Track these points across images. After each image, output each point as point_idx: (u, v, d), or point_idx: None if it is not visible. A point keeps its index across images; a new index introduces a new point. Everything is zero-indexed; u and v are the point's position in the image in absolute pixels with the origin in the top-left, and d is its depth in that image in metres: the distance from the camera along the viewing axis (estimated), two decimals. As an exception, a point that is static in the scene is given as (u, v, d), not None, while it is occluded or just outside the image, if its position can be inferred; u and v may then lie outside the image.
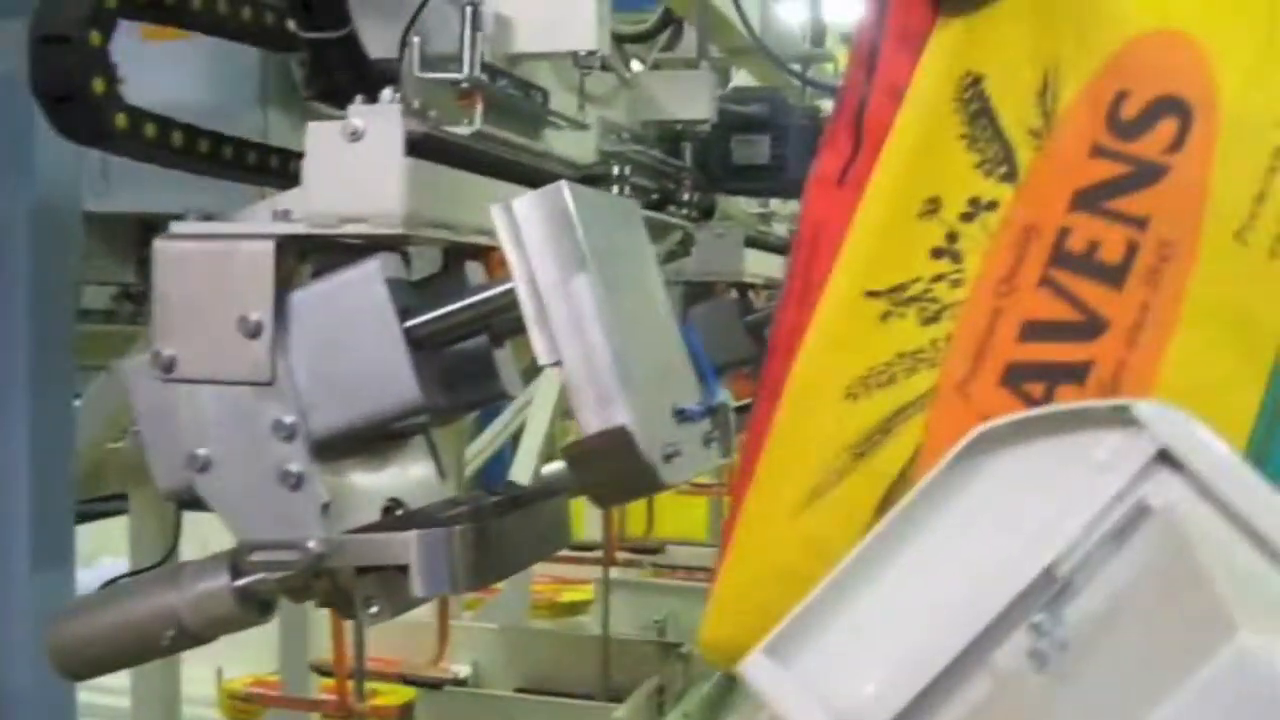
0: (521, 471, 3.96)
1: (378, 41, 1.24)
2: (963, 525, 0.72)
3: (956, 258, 0.87)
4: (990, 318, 0.86)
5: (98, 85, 1.12)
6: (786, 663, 0.72)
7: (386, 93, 1.17)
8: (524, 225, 1.07)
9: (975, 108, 0.88)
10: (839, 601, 0.73)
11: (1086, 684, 0.60)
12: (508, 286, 1.09)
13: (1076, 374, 0.83)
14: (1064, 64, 0.86)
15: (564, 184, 1.08)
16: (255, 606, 1.16)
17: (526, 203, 1.07)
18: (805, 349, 0.92)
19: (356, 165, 1.14)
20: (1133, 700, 0.53)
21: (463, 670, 3.58)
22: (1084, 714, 0.59)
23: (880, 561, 0.73)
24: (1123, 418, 0.70)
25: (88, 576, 1.92)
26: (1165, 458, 0.69)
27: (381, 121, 1.14)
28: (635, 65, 3.51)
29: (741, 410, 1.20)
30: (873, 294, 0.91)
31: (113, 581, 1.33)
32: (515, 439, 4.34)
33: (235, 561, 1.15)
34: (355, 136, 1.14)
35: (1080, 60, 0.85)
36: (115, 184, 1.55)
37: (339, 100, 1.21)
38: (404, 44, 1.21)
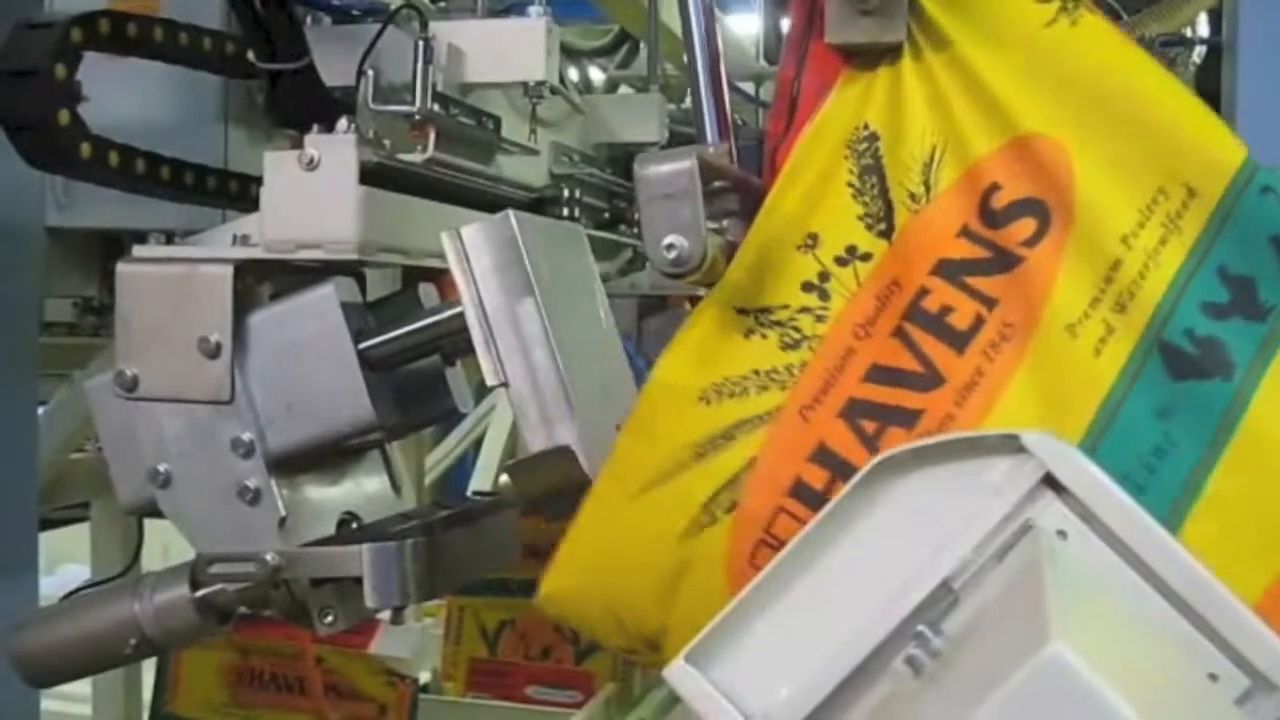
0: (483, 479, 4.00)
1: (334, 72, 1.29)
2: (869, 542, 0.78)
3: (825, 296, 0.94)
4: (843, 356, 0.93)
5: (63, 117, 1.15)
6: (706, 668, 0.77)
7: (342, 123, 1.21)
8: (472, 252, 1.10)
9: (867, 162, 0.94)
10: (755, 613, 0.78)
11: (942, 688, 0.65)
12: (457, 310, 1.12)
13: (907, 419, 0.90)
14: (952, 146, 0.92)
15: (510, 213, 1.12)
16: (214, 617, 1.20)
17: (475, 231, 1.11)
18: (672, 350, 0.99)
19: (312, 193, 1.18)
20: (962, 705, 0.59)
21: (423, 676, 3.61)
22: (932, 716, 0.65)
23: (793, 576, 0.79)
24: (1012, 446, 0.77)
25: (50, 584, 1.95)
26: (1050, 482, 0.76)
27: (337, 151, 1.18)
28: (595, 74, 3.58)
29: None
30: (742, 311, 0.97)
31: (76, 591, 1.37)
32: (478, 445, 4.38)
33: (195, 573, 1.19)
34: (311, 165, 1.18)
35: (966, 147, 0.92)
36: (78, 200, 1.55)
37: (298, 126, 1.26)
38: (359, 75, 1.25)
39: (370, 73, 1.25)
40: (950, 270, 0.92)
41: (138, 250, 1.23)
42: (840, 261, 0.94)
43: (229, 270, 1.18)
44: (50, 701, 1.98)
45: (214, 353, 1.17)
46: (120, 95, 1.35)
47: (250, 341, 1.18)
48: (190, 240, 1.27)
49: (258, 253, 1.20)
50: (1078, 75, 0.94)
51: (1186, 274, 0.90)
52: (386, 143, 1.25)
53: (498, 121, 1.47)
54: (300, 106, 1.27)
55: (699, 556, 0.95)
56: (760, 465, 0.94)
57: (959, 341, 0.91)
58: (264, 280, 1.24)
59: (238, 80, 1.44)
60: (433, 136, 1.30)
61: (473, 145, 1.43)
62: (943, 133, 0.93)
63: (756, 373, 0.95)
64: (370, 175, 1.20)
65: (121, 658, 1.23)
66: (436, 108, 1.30)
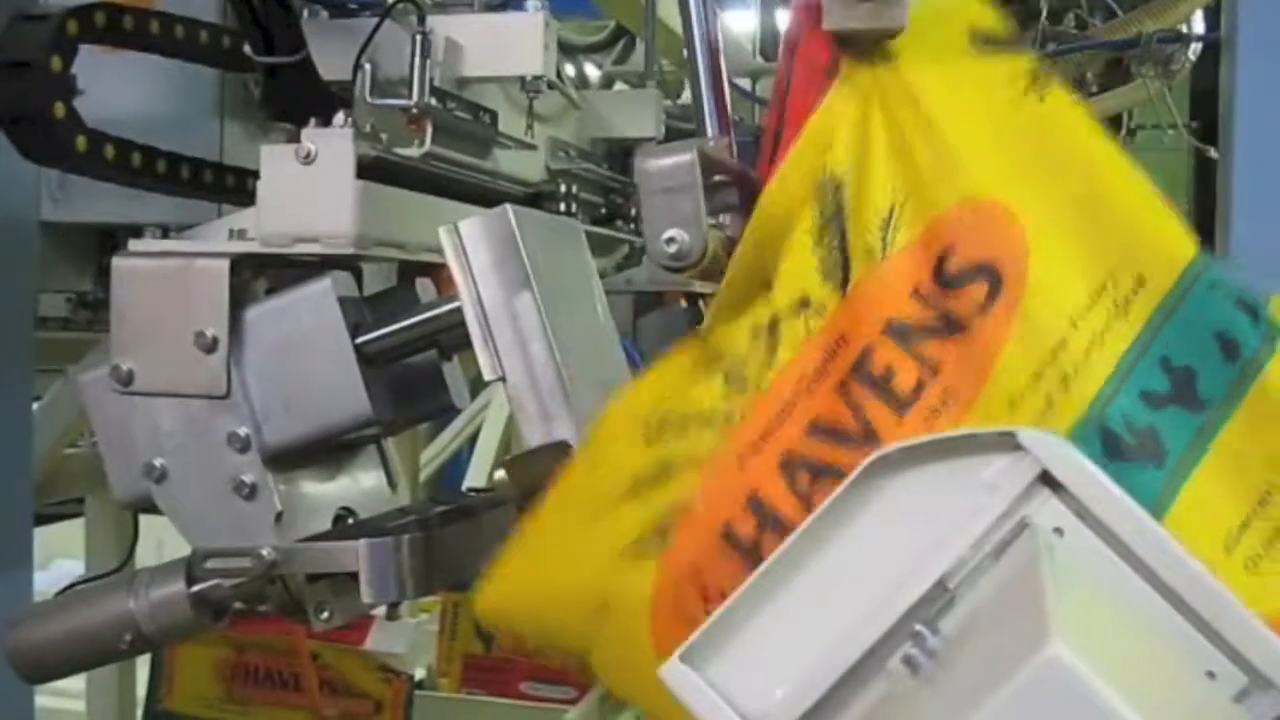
0: (477, 476, 4.00)
1: (331, 65, 1.28)
2: (863, 542, 0.78)
3: (774, 346, 0.92)
4: (784, 408, 0.91)
5: (58, 109, 1.15)
6: (701, 668, 0.77)
7: (339, 117, 1.21)
8: (470, 247, 1.10)
9: (831, 211, 0.92)
10: (750, 612, 0.78)
11: (940, 689, 0.65)
12: (455, 305, 1.12)
13: (842, 476, 0.87)
14: (912, 202, 0.91)
15: (508, 207, 1.12)
16: (210, 612, 1.20)
17: (472, 225, 1.11)
18: (635, 384, 0.98)
19: (309, 187, 1.18)
20: (961, 706, 0.58)
21: (418, 672, 3.61)
22: (930, 717, 0.64)
23: (788, 575, 0.78)
24: (1008, 443, 0.76)
25: (44, 579, 1.95)
26: (1046, 479, 0.75)
27: (333, 145, 1.18)
28: (591, 70, 3.58)
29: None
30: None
31: (71, 587, 1.37)
32: (472, 441, 4.38)
33: (190, 569, 1.18)
34: (308, 159, 1.18)
35: (926, 206, 0.90)
36: (73, 194, 1.54)
37: (294, 120, 1.26)
38: (356, 69, 1.25)
39: (367, 66, 1.24)
40: (898, 331, 0.90)
41: (133, 244, 1.23)
42: (792, 310, 0.93)
43: (225, 264, 1.17)
44: (44, 698, 1.98)
45: (210, 347, 1.17)
46: (116, 88, 1.35)
47: (247, 336, 1.18)
48: (186, 234, 1.27)
49: (254, 247, 1.20)
50: (1041, 150, 0.92)
51: (1130, 360, 0.88)
52: (383, 137, 1.25)
53: (495, 116, 1.47)
54: (297, 100, 1.27)
55: (625, 592, 0.94)
56: (692, 508, 0.92)
57: (899, 405, 0.89)
58: (260, 275, 1.23)
59: (234, 74, 1.43)
60: (430, 131, 1.29)
61: (470, 140, 1.43)
62: (903, 189, 0.91)
63: (699, 413, 0.94)
64: (367, 169, 1.20)
65: (116, 653, 1.23)
66: (433, 102, 1.29)
